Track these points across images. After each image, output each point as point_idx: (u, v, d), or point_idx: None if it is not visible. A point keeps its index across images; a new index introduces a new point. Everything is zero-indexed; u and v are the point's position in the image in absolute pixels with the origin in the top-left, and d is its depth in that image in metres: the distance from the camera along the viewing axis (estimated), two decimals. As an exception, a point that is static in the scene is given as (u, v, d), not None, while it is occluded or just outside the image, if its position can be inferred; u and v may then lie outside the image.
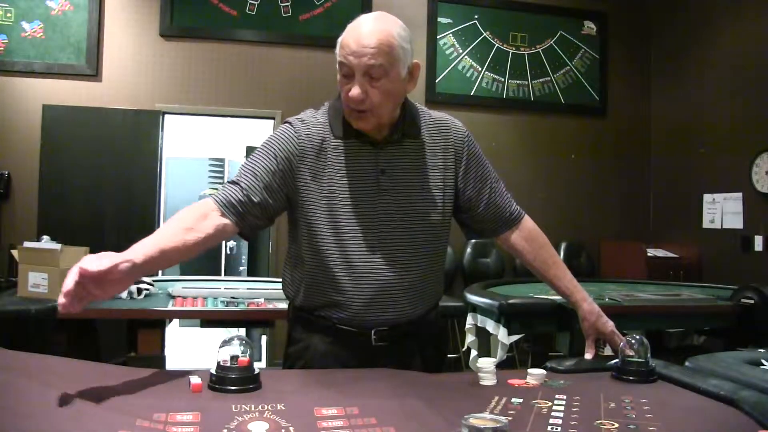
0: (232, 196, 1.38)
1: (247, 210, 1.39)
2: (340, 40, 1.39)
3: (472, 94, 5.36)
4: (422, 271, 1.48)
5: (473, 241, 4.97)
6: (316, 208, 1.43)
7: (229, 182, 1.43)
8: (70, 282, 1.12)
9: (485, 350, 2.96)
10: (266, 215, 1.44)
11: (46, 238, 2.86)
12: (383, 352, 1.44)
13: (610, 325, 1.56)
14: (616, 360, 1.39)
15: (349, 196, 1.42)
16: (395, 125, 1.47)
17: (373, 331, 1.44)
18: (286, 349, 1.57)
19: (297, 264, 1.50)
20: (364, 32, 1.34)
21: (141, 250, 1.23)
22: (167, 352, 3.29)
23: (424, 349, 1.54)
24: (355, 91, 1.35)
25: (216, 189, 1.47)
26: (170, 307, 2.62)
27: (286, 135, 1.45)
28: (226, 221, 1.37)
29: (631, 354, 1.35)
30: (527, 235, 1.61)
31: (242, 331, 3.97)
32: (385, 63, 1.34)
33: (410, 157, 1.48)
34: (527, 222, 1.62)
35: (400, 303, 1.45)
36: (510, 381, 1.29)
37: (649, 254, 4.98)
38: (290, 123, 1.48)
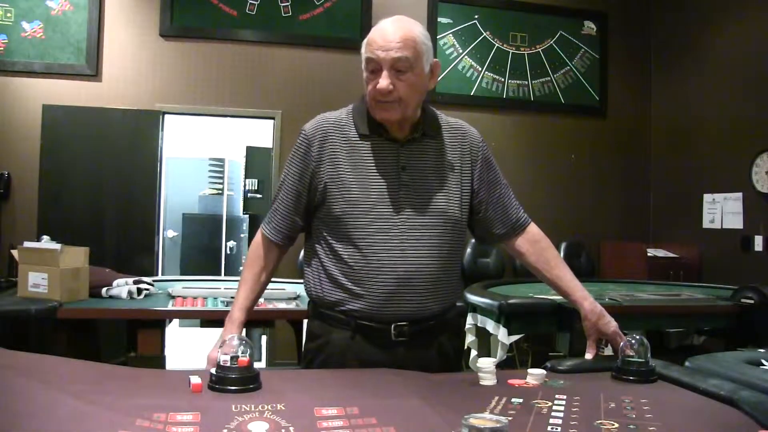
0: (282, 231, 1.58)
1: (294, 237, 1.62)
2: (365, 40, 1.47)
3: (472, 94, 5.36)
4: (440, 267, 1.52)
5: (473, 241, 4.97)
6: (338, 202, 1.48)
7: (274, 213, 1.59)
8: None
9: (485, 350, 2.96)
10: (302, 230, 1.62)
11: (46, 238, 2.86)
12: (402, 348, 1.48)
13: (613, 325, 1.56)
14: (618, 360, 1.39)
15: (370, 190, 1.48)
16: (416, 124, 1.54)
17: (392, 326, 1.48)
18: (306, 345, 1.61)
19: (317, 259, 1.55)
20: (390, 29, 1.44)
21: (239, 307, 1.56)
22: (167, 352, 3.29)
23: (443, 346, 1.57)
24: (383, 81, 1.42)
25: (268, 225, 1.63)
26: (170, 307, 2.62)
27: (302, 148, 1.54)
28: (282, 249, 1.62)
29: (631, 354, 1.35)
30: (531, 237, 1.65)
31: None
32: (410, 56, 1.43)
33: (430, 155, 1.54)
34: (533, 227, 1.67)
35: (420, 297, 1.49)
36: (510, 381, 1.29)
37: (649, 254, 4.98)
38: (305, 132, 1.56)
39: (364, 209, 1.47)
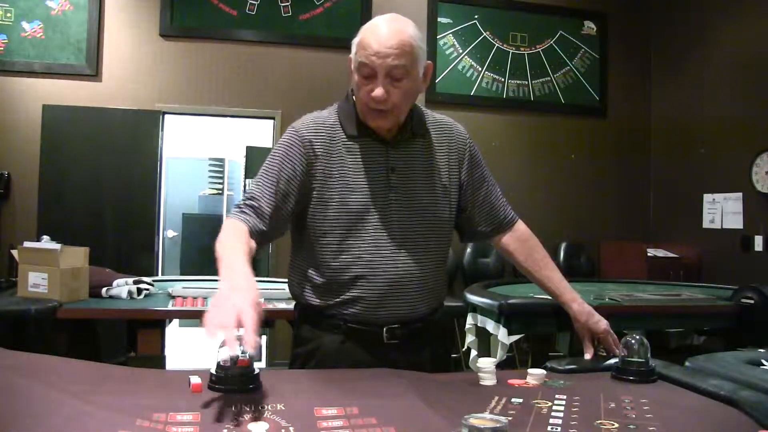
0: (259, 224, 1.40)
1: (272, 236, 1.45)
2: (357, 41, 1.41)
3: (472, 94, 5.36)
4: (431, 267, 1.51)
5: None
6: (328, 205, 1.45)
7: (251, 205, 1.41)
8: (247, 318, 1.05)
9: (485, 350, 2.96)
10: (282, 233, 1.49)
11: (46, 238, 2.85)
12: (394, 351, 1.46)
13: (603, 323, 1.57)
14: (615, 360, 1.39)
15: (360, 193, 1.45)
16: (404, 125, 1.51)
17: (384, 329, 1.46)
18: (294, 350, 1.57)
19: (306, 262, 1.51)
20: (385, 33, 1.37)
21: (243, 261, 1.24)
22: (167, 352, 3.29)
23: (433, 347, 1.57)
24: (379, 91, 1.37)
25: (240, 209, 1.44)
26: (170, 307, 2.61)
27: (293, 143, 1.47)
28: (256, 247, 1.40)
29: (622, 354, 1.35)
30: (520, 236, 1.65)
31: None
32: (407, 63, 1.38)
33: (418, 155, 1.52)
34: (520, 225, 1.67)
35: (412, 298, 1.48)
36: (510, 381, 1.29)
37: (649, 254, 4.98)
38: (295, 129, 1.50)
39: (354, 212, 1.44)
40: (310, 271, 1.50)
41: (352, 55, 1.43)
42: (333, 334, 1.48)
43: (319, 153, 1.46)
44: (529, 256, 1.63)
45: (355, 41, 1.42)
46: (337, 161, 1.46)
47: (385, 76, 1.37)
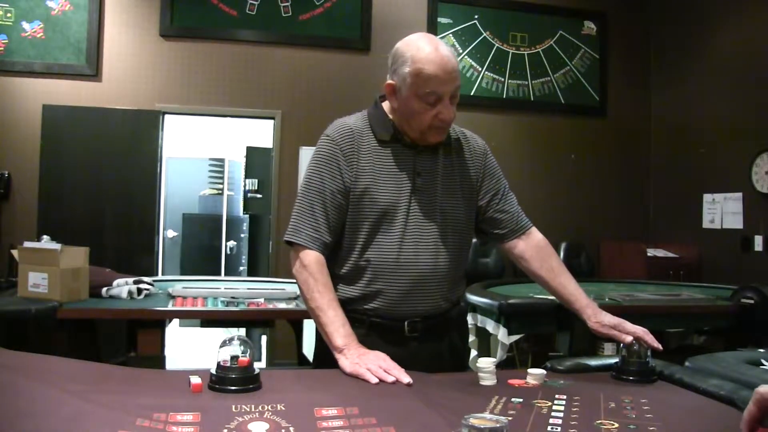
0: (323, 239, 1.52)
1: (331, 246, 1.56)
2: (413, 71, 1.46)
3: (472, 94, 5.36)
4: (449, 268, 1.58)
5: (473, 241, 4.97)
6: (359, 206, 1.53)
7: (312, 222, 1.52)
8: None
9: (485, 350, 2.96)
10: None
11: (46, 238, 2.85)
12: (415, 342, 1.54)
13: (614, 318, 1.56)
14: (616, 360, 1.39)
15: (388, 194, 1.53)
16: None
17: (406, 323, 1.53)
18: (319, 345, 1.61)
19: (331, 258, 1.57)
20: (443, 58, 1.45)
21: (345, 326, 1.44)
22: (167, 352, 3.28)
23: (453, 338, 1.64)
24: (452, 113, 1.50)
25: (297, 237, 1.55)
26: (170, 307, 2.61)
27: (333, 153, 1.55)
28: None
29: (623, 353, 1.36)
30: (536, 244, 1.69)
31: (242, 331, 3.96)
32: (460, 82, 1.51)
33: (441, 161, 1.60)
34: (535, 233, 1.71)
35: (432, 295, 1.55)
36: (510, 381, 1.30)
37: (649, 254, 4.98)
38: (330, 137, 1.58)
39: (382, 213, 1.52)
40: (334, 267, 1.56)
41: (402, 82, 1.49)
42: (356, 328, 1.52)
43: (354, 158, 1.54)
44: (544, 262, 1.66)
45: (406, 70, 1.47)
46: (367, 165, 1.54)
47: (450, 98, 1.48)
